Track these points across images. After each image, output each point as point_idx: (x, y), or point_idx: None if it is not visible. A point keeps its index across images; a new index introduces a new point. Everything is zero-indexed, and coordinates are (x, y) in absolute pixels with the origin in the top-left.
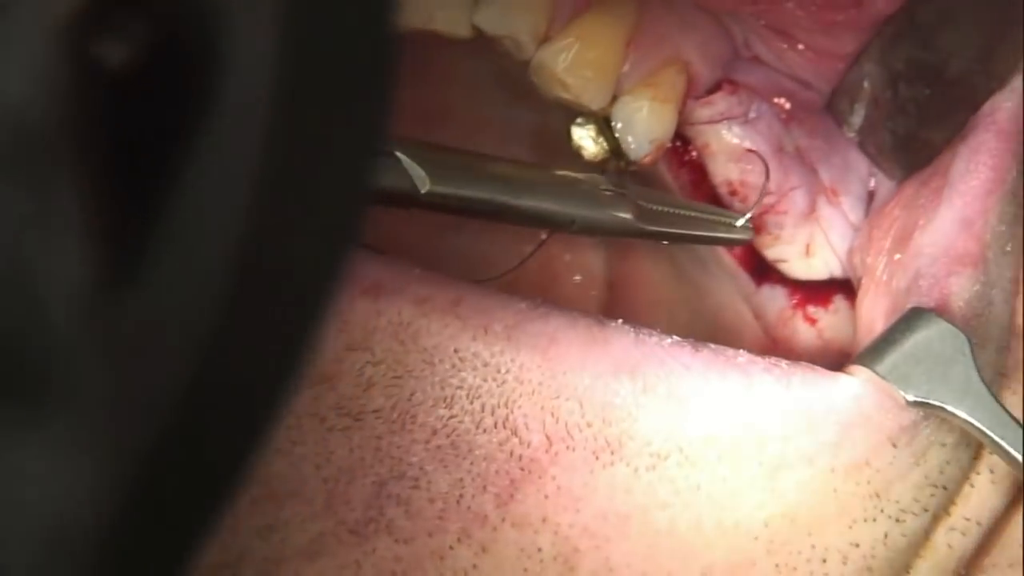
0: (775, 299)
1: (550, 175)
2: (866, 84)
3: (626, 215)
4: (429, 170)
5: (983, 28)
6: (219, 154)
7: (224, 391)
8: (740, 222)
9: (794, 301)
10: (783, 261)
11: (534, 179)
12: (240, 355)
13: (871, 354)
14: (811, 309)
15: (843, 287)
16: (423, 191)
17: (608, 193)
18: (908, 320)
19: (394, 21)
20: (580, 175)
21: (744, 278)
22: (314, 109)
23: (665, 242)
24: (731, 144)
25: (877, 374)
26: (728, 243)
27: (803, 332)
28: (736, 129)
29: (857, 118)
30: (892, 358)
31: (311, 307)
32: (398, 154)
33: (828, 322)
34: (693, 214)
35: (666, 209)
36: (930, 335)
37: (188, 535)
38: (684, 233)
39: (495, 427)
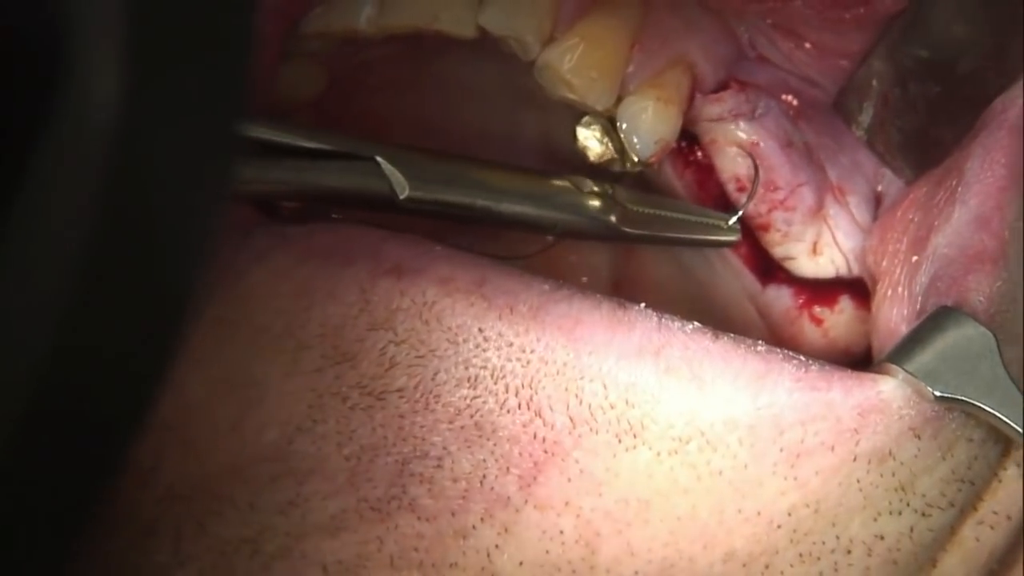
0: (781, 299)
1: (533, 179)
2: (875, 82)
3: (609, 218)
4: (409, 175)
5: (993, 25)
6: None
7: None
8: (731, 221)
9: (800, 301)
10: (791, 259)
11: (516, 184)
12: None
13: (899, 353)
14: (817, 309)
15: (849, 288)
16: (402, 196)
17: (591, 197)
18: (935, 319)
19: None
20: (565, 178)
21: (749, 278)
22: (163, 104)
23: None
24: (738, 139)
25: (906, 371)
26: (714, 245)
27: (809, 332)
28: (743, 125)
29: (866, 117)
30: (920, 356)
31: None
32: (378, 159)
33: (833, 322)
34: (682, 216)
35: (654, 212)
36: (957, 333)
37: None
38: (669, 236)
39: (519, 408)
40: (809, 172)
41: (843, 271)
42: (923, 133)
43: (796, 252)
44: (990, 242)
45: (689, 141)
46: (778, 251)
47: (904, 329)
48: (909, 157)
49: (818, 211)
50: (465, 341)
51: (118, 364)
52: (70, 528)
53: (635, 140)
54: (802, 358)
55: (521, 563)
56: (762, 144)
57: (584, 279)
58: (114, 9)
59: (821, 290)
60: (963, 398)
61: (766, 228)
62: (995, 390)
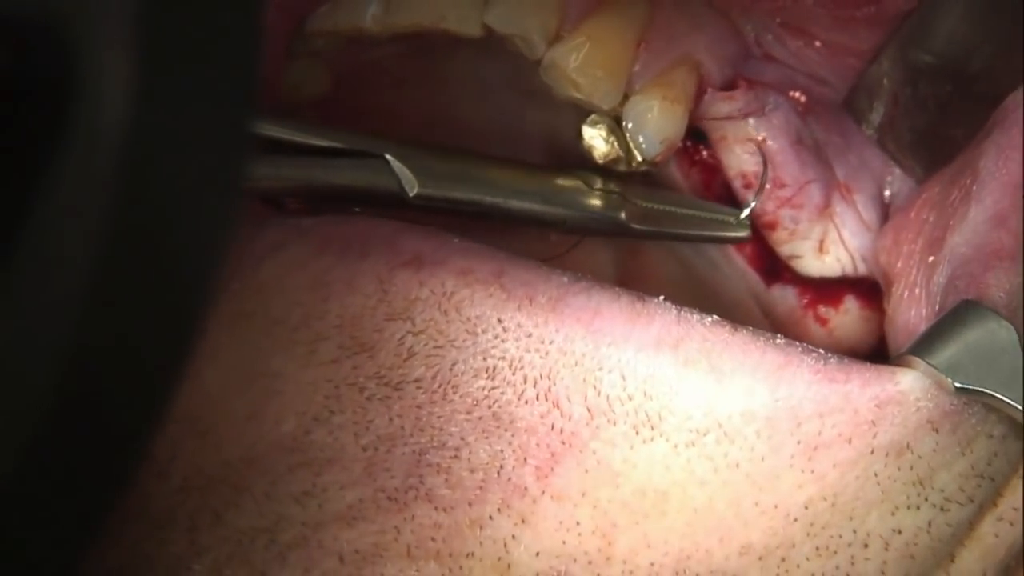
0: (786, 299)
1: (542, 176)
2: (885, 81)
3: (618, 215)
4: (418, 172)
5: (1004, 23)
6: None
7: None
8: (743, 214)
9: (804, 301)
10: (797, 257)
11: (525, 181)
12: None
13: (920, 346)
14: (822, 309)
15: (854, 287)
16: (412, 194)
17: (600, 193)
18: (957, 313)
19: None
20: (574, 175)
21: (754, 278)
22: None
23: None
24: (749, 135)
25: (927, 363)
26: (724, 241)
27: (814, 332)
28: (753, 122)
29: (876, 116)
30: (941, 349)
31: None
32: (387, 157)
33: (838, 322)
34: (693, 212)
35: (663, 208)
36: (979, 326)
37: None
38: (679, 232)
39: (537, 399)
40: (817, 170)
41: (849, 270)
42: (934, 132)
43: (802, 251)
44: (1008, 239)
45: (695, 140)
46: (784, 249)
47: (923, 328)
48: (920, 156)
49: (825, 209)
50: (484, 332)
51: (134, 363)
52: (89, 525)
53: (641, 139)
54: (821, 351)
55: (538, 553)
56: (771, 141)
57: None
58: (122, 10)
59: (826, 290)
60: (983, 390)
61: (773, 226)
62: (1016, 383)
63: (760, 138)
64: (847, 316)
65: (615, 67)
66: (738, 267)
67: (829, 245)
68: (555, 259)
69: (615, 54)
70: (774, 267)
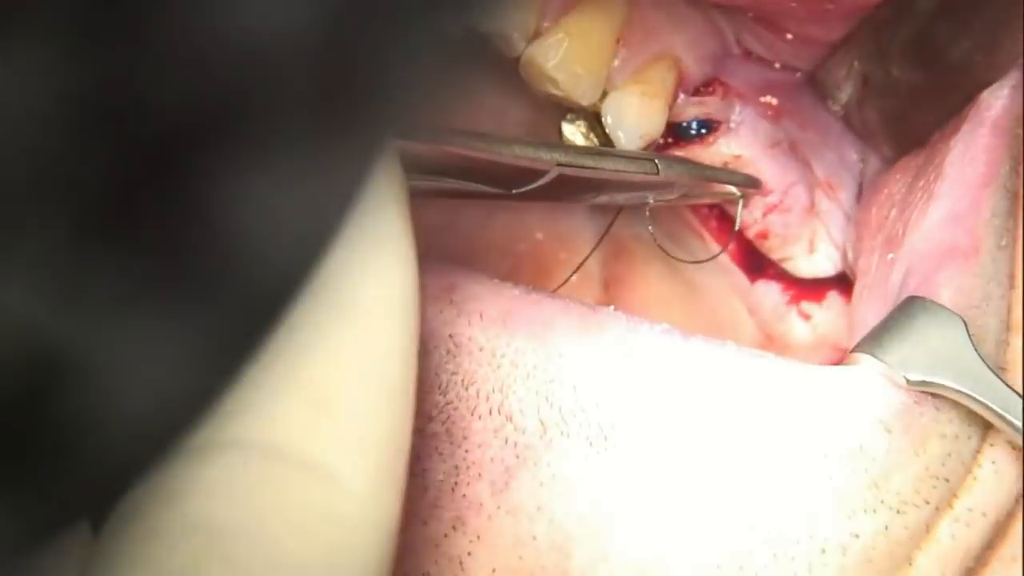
0: (769, 295)
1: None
2: (856, 63)
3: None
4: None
5: (986, 17)
6: None
7: None
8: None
9: (788, 297)
10: (788, 259)
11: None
12: None
13: (870, 342)
14: (805, 305)
15: (837, 283)
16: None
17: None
18: (904, 308)
19: None
20: None
21: (739, 275)
22: None
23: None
24: (723, 156)
25: (877, 359)
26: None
27: (798, 327)
28: (722, 141)
29: (844, 94)
30: (891, 344)
31: None
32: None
33: (822, 318)
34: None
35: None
36: (927, 320)
37: None
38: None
39: (490, 413)
40: (797, 171)
41: (840, 266)
42: (903, 116)
43: (793, 252)
44: (964, 239)
45: (675, 137)
46: (776, 254)
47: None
48: (888, 136)
49: (810, 208)
50: (435, 348)
51: None
52: None
53: (620, 135)
54: (772, 355)
55: (494, 570)
56: (744, 154)
57: (574, 278)
58: None
59: (810, 286)
60: (938, 381)
61: (765, 235)
62: (968, 373)
63: (732, 156)
64: (831, 311)
65: (594, 63)
66: (723, 264)
67: (818, 243)
68: (534, 256)
69: (594, 50)
70: (758, 264)
